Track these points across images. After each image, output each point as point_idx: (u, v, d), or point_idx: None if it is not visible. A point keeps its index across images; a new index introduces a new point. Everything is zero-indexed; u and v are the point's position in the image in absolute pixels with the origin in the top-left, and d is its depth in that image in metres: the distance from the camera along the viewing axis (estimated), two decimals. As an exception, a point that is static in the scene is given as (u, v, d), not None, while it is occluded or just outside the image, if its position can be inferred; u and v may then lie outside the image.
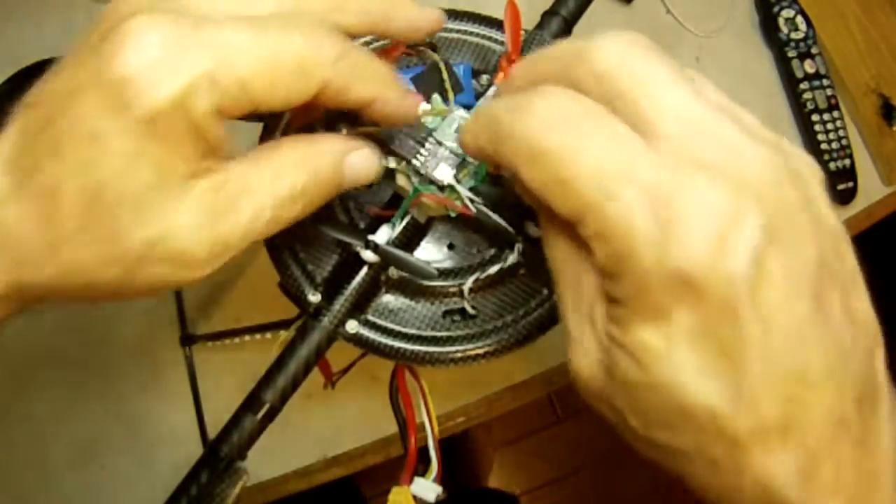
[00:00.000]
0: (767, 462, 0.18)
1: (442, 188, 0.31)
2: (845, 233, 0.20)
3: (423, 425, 0.37)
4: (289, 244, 0.35)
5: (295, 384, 0.34)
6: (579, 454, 1.33)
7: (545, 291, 0.35)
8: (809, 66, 0.66)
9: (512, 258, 0.34)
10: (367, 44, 0.37)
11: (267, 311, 0.57)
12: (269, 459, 0.56)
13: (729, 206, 0.17)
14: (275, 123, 0.36)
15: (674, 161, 0.18)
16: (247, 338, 0.50)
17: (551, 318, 0.35)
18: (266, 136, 0.35)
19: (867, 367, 0.19)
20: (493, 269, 0.34)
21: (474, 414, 0.57)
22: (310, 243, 0.35)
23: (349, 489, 0.61)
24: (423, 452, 0.36)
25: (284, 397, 0.34)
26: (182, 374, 0.57)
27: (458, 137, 0.30)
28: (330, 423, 0.56)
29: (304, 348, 0.33)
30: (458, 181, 0.31)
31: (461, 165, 0.31)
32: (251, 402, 0.33)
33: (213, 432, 0.55)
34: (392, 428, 0.56)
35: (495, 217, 0.31)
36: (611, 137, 0.18)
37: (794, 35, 0.66)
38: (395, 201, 0.34)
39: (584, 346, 0.21)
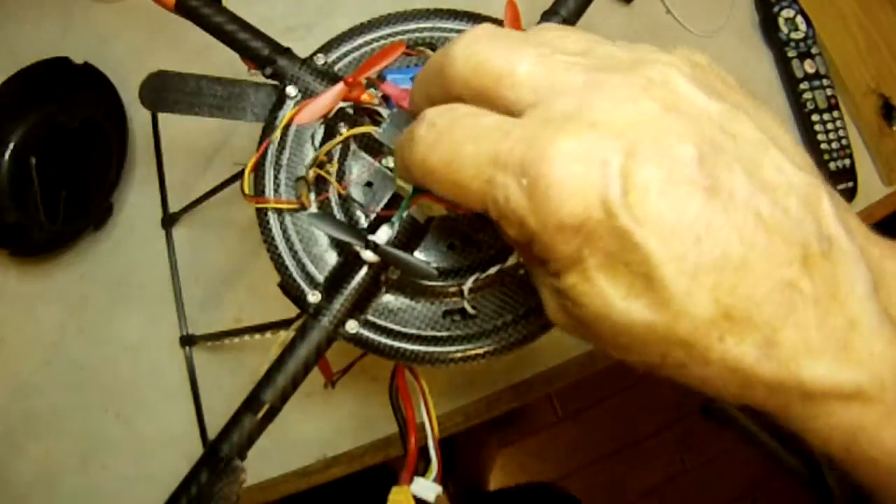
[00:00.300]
0: (726, 350, 0.19)
1: None
2: (736, 109, 0.20)
3: (422, 425, 0.37)
4: (289, 245, 0.35)
5: (295, 384, 0.34)
6: (579, 454, 1.33)
7: None
8: (809, 66, 0.66)
9: (512, 258, 0.34)
10: (366, 44, 0.37)
11: (267, 312, 0.57)
12: (269, 459, 0.56)
13: (579, 147, 0.18)
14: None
15: (535, 127, 0.19)
16: (246, 338, 0.50)
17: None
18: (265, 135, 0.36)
19: (806, 225, 0.19)
20: (493, 270, 0.34)
21: (474, 414, 0.57)
22: (310, 244, 0.35)
23: (386, 473, 0.60)
24: (424, 452, 0.36)
25: (284, 397, 0.33)
26: (182, 375, 0.57)
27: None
28: (330, 423, 0.56)
29: (303, 348, 0.33)
30: None
31: None
32: (251, 402, 0.33)
33: (213, 432, 0.55)
34: (392, 428, 0.56)
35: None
36: (476, 136, 0.20)
37: (794, 35, 0.66)
38: (395, 201, 0.35)
39: (548, 301, 0.23)
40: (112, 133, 0.60)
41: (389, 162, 0.32)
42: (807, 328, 0.19)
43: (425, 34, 0.37)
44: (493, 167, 0.20)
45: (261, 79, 0.38)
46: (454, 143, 0.21)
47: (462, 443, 1.24)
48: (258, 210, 0.35)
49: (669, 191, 0.18)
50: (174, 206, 0.59)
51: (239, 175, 0.51)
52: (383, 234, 0.33)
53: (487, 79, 0.21)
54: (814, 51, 0.66)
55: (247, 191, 0.35)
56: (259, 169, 0.36)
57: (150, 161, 0.61)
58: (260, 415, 0.33)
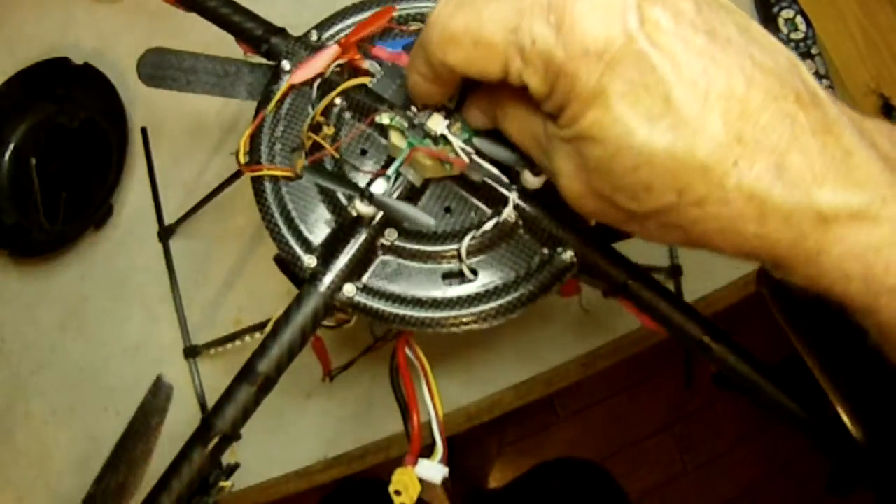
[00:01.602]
0: (741, 175, 0.21)
1: (435, 140, 0.31)
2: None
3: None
4: (284, 213, 0.35)
5: (291, 353, 0.32)
6: (579, 454, 1.33)
7: (545, 251, 0.34)
8: (809, 67, 0.66)
9: (508, 210, 0.33)
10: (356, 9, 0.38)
11: (267, 313, 0.57)
12: (269, 459, 0.56)
13: None
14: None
15: None
16: (247, 339, 0.50)
17: (553, 278, 0.34)
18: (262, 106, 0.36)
19: (793, 77, 0.22)
20: (490, 225, 0.33)
21: (475, 415, 0.57)
22: (306, 211, 0.35)
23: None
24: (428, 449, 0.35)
25: (280, 367, 0.32)
26: (182, 373, 0.57)
27: (411, 89, 0.30)
28: (330, 424, 0.56)
29: (299, 315, 0.32)
30: (451, 132, 0.31)
31: (453, 117, 0.31)
32: (246, 372, 0.32)
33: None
34: (392, 428, 0.56)
35: (489, 166, 0.31)
36: None
37: (793, 35, 0.66)
38: (390, 164, 0.34)
39: (562, 170, 0.25)
40: (112, 133, 0.60)
41: (384, 118, 0.32)
42: (810, 154, 0.21)
43: (413, 11, 0.37)
44: (519, 15, 0.22)
45: (258, 63, 0.38)
46: (475, 6, 0.23)
47: (462, 443, 1.24)
48: (253, 180, 0.35)
49: (677, 28, 0.21)
50: (175, 207, 0.59)
51: (235, 177, 0.51)
52: (379, 186, 0.32)
53: None
54: (813, 51, 0.66)
55: (242, 160, 0.35)
56: (255, 140, 0.36)
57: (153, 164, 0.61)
58: (255, 386, 0.31)
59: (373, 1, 0.38)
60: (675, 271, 0.58)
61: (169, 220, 0.59)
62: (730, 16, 0.22)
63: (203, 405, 0.56)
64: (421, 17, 0.37)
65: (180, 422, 0.56)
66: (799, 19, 0.67)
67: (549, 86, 0.22)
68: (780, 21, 0.66)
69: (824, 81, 0.66)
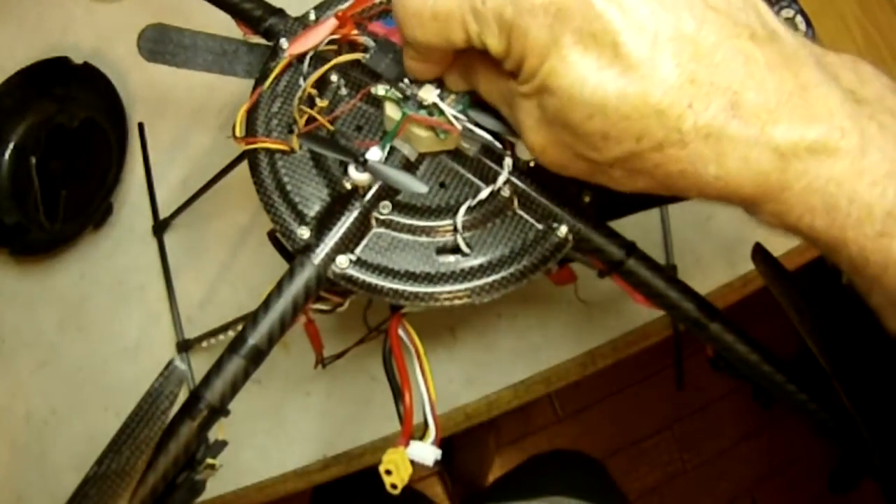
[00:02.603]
0: (697, 115, 0.21)
1: (430, 112, 0.31)
2: None
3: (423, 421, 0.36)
4: (279, 186, 0.35)
5: (282, 325, 0.32)
6: (579, 454, 1.33)
7: (540, 227, 0.34)
8: (809, 66, 0.66)
9: (501, 179, 0.33)
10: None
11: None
12: (268, 459, 0.56)
13: None
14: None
15: None
16: (239, 327, 0.50)
17: (548, 253, 0.34)
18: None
19: (747, 15, 0.22)
20: (485, 193, 0.33)
21: (474, 414, 0.57)
22: (300, 185, 0.35)
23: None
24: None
25: (271, 339, 0.32)
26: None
27: (408, 71, 0.31)
28: (330, 423, 0.56)
29: (292, 286, 0.32)
30: (444, 101, 0.31)
31: (444, 91, 0.32)
32: (236, 344, 0.31)
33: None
34: (391, 428, 0.57)
35: (482, 133, 0.31)
36: None
37: (793, 35, 0.66)
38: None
39: (525, 124, 0.25)
40: (112, 132, 0.60)
41: (379, 90, 0.32)
42: (766, 91, 0.21)
43: None
44: None
45: (257, 43, 0.39)
46: None
47: (460, 442, 1.24)
48: (249, 154, 0.35)
49: None
50: (174, 204, 0.59)
51: (230, 167, 0.51)
52: (373, 154, 0.32)
53: None
54: (813, 51, 0.66)
55: (238, 133, 0.35)
56: (251, 116, 0.36)
57: (150, 160, 0.61)
58: (246, 358, 0.31)
59: None
60: (669, 270, 0.59)
61: (168, 215, 0.59)
62: None
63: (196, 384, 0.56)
64: None
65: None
66: (799, 19, 0.66)
67: (505, 44, 0.23)
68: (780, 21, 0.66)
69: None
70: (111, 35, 0.63)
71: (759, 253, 0.33)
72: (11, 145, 0.61)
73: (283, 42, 0.37)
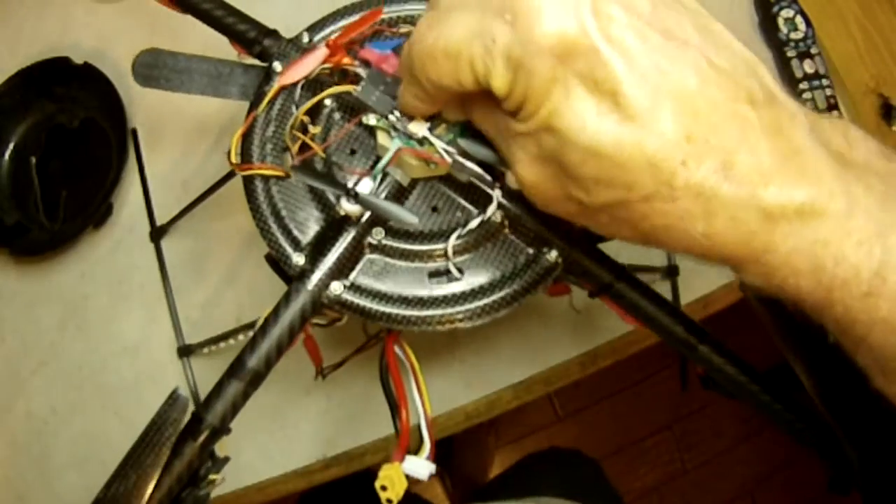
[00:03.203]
0: (689, 174, 0.21)
1: (420, 142, 0.32)
2: None
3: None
4: (274, 212, 0.35)
5: (279, 349, 0.33)
6: (579, 454, 1.33)
7: (530, 251, 0.35)
8: (809, 66, 0.66)
9: (492, 208, 0.33)
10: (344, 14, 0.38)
11: (265, 310, 0.57)
12: (269, 459, 0.56)
13: None
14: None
15: None
16: (241, 337, 0.50)
17: (538, 277, 0.34)
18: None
19: (748, 78, 0.22)
20: (475, 223, 0.34)
21: (474, 414, 0.57)
22: (295, 210, 0.35)
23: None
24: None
25: (269, 363, 0.33)
26: (178, 372, 0.57)
27: (403, 108, 0.31)
28: (330, 423, 0.56)
29: (287, 312, 0.33)
30: (434, 134, 0.31)
31: (435, 120, 0.32)
32: (235, 368, 0.33)
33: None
34: (391, 428, 0.56)
35: (472, 166, 0.31)
36: (463, 4, 0.23)
37: (793, 35, 0.66)
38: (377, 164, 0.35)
39: (519, 159, 0.25)
40: (112, 133, 0.60)
41: (371, 119, 0.32)
42: (759, 154, 0.21)
43: (403, 14, 0.38)
44: (480, 19, 0.22)
45: (251, 64, 0.39)
46: (443, 21, 0.24)
47: (460, 443, 1.24)
48: (245, 179, 0.36)
49: (630, 24, 0.21)
50: (175, 207, 0.59)
51: (227, 177, 0.51)
52: (365, 186, 0.33)
53: None
54: (813, 51, 0.66)
55: (233, 159, 0.36)
56: (246, 140, 0.36)
57: (150, 161, 0.61)
58: (244, 381, 0.32)
59: (365, 3, 0.38)
60: (671, 271, 0.58)
61: (166, 221, 0.59)
62: (689, 15, 0.22)
63: (198, 404, 0.56)
64: (411, 20, 0.37)
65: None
66: (799, 19, 0.67)
67: (510, 83, 0.23)
68: (780, 21, 0.66)
69: (824, 81, 0.66)
70: (111, 35, 0.63)
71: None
72: (11, 145, 0.61)
73: (277, 65, 0.37)
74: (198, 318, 0.58)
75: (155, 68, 0.39)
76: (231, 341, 0.52)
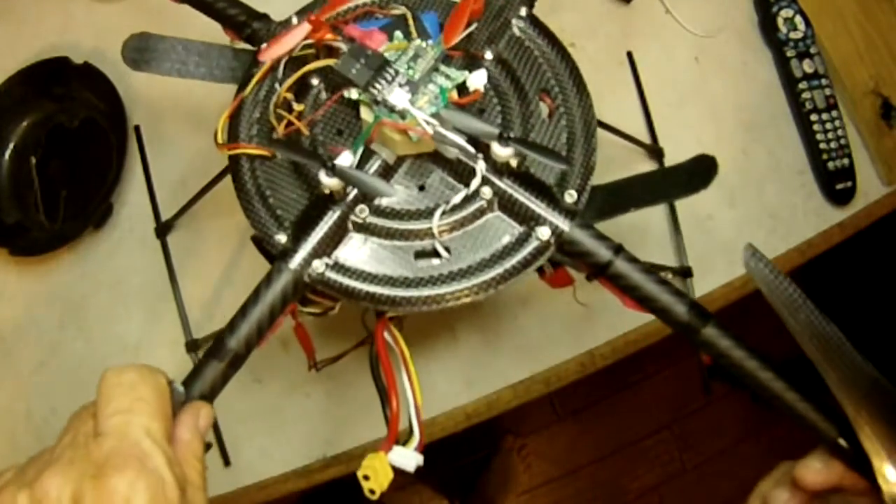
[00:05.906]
0: None
1: (402, 115, 0.32)
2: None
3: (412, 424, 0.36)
4: (259, 192, 0.35)
5: (260, 330, 0.32)
6: (579, 454, 1.33)
7: (521, 228, 0.34)
8: (808, 66, 0.66)
9: (476, 181, 0.33)
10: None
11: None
12: (269, 459, 0.56)
13: None
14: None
15: None
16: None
17: (529, 257, 0.33)
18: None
19: None
20: (458, 198, 0.33)
21: (474, 414, 0.57)
22: (280, 191, 0.35)
23: None
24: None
25: (249, 344, 0.32)
26: (184, 368, 0.57)
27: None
28: (330, 423, 0.56)
29: (268, 292, 0.32)
30: (415, 106, 0.31)
31: (416, 92, 0.32)
32: (215, 349, 0.32)
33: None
34: (392, 427, 0.57)
35: (453, 137, 0.31)
36: None
37: (792, 35, 0.66)
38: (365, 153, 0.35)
39: None
40: (112, 133, 0.60)
41: (353, 93, 0.33)
42: None
43: None
44: None
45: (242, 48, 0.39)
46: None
47: (487, 471, 1.24)
48: (230, 159, 0.36)
49: None
50: (177, 204, 0.59)
51: (227, 171, 0.51)
52: (345, 159, 0.33)
53: None
54: (812, 50, 0.66)
55: (220, 139, 0.36)
56: (233, 122, 0.36)
57: (151, 159, 0.61)
58: (224, 361, 0.31)
59: None
60: (684, 272, 0.58)
61: (170, 216, 0.59)
62: None
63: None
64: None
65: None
66: (798, 19, 0.67)
67: None
68: (780, 21, 0.66)
69: (823, 81, 0.66)
70: (111, 35, 0.62)
71: (753, 255, 0.33)
72: (11, 145, 0.61)
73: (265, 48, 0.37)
74: (200, 314, 0.58)
75: (145, 52, 0.39)
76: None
